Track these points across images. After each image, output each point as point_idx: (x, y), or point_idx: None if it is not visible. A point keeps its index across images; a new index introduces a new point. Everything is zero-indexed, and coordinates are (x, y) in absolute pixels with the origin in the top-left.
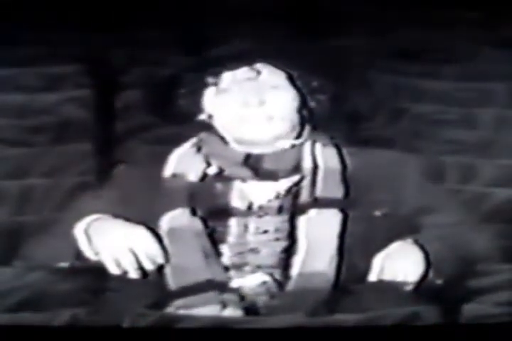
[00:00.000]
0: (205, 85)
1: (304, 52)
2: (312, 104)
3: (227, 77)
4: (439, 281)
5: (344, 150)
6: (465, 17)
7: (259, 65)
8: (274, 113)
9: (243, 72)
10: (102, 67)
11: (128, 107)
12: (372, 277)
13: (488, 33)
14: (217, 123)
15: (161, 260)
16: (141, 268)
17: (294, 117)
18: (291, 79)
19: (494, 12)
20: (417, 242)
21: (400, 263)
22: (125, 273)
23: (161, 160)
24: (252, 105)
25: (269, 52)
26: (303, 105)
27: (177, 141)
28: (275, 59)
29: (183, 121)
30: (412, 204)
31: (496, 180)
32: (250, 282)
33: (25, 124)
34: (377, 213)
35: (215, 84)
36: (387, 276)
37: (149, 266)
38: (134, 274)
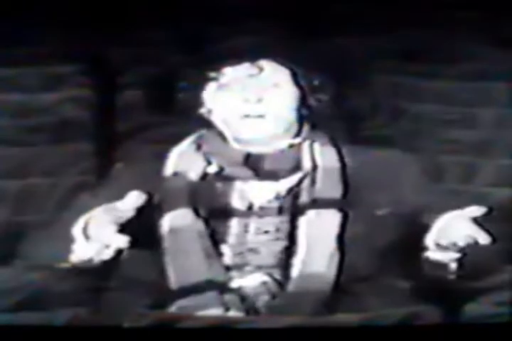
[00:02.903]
0: (207, 80)
1: (305, 51)
2: (312, 102)
3: (229, 72)
4: (452, 276)
5: (344, 150)
6: (465, 17)
7: (262, 62)
8: (270, 111)
9: (245, 68)
10: (102, 67)
11: (128, 107)
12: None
13: (488, 33)
14: (217, 119)
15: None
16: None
17: (291, 116)
18: (295, 77)
19: (494, 12)
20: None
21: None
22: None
23: (162, 159)
24: (250, 102)
25: (273, 49)
26: (302, 104)
27: (178, 140)
28: (279, 56)
29: (184, 116)
30: (411, 204)
31: (496, 180)
32: (250, 282)
33: (25, 124)
34: (380, 212)
35: (217, 79)
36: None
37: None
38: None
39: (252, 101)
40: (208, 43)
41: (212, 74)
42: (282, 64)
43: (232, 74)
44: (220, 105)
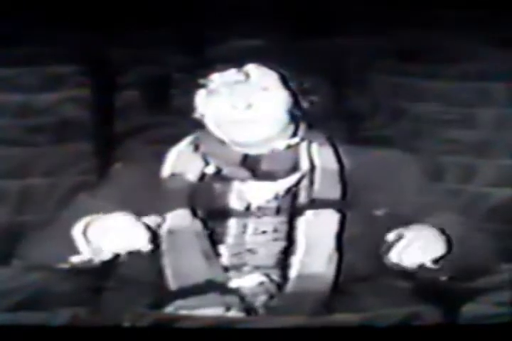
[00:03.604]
0: (197, 86)
1: (301, 52)
2: (305, 104)
3: (216, 78)
4: (444, 278)
5: (343, 150)
6: (465, 17)
7: (249, 67)
8: (261, 116)
9: (232, 74)
10: (101, 67)
11: (127, 107)
12: (392, 257)
13: (488, 33)
14: (210, 123)
15: (144, 244)
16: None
17: (284, 118)
18: (284, 80)
19: (494, 12)
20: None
21: (419, 241)
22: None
23: (161, 159)
24: (238, 108)
25: (272, 50)
26: (295, 105)
27: (177, 140)
28: (268, 59)
29: (183, 117)
30: (410, 204)
31: (496, 180)
32: (247, 282)
33: (25, 124)
34: (378, 212)
35: (205, 85)
36: (408, 258)
37: (146, 248)
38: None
39: (241, 108)
40: (207, 44)
41: (202, 81)
42: (271, 68)
43: (220, 80)
44: (211, 110)
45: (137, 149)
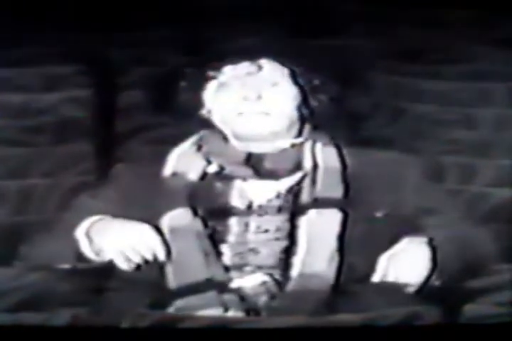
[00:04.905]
0: (206, 80)
1: (304, 51)
2: (313, 102)
3: (228, 71)
4: (437, 282)
5: (344, 150)
6: (465, 17)
7: (262, 61)
8: (271, 109)
9: (244, 66)
10: (102, 67)
11: (128, 107)
12: (376, 278)
13: (488, 33)
14: (216, 118)
15: (161, 253)
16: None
17: (293, 115)
18: (294, 76)
19: (494, 12)
20: (426, 242)
21: (404, 265)
22: (136, 267)
23: (162, 159)
24: (250, 99)
25: (273, 50)
26: (303, 103)
27: (178, 140)
28: (279, 56)
29: (184, 117)
30: (411, 204)
31: (496, 180)
32: (250, 282)
33: (25, 124)
34: (378, 214)
35: (216, 77)
36: (391, 278)
37: (150, 258)
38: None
39: (252, 99)
40: (208, 44)
41: (212, 73)
42: (282, 63)
43: (231, 72)
44: (219, 104)
45: (138, 150)
